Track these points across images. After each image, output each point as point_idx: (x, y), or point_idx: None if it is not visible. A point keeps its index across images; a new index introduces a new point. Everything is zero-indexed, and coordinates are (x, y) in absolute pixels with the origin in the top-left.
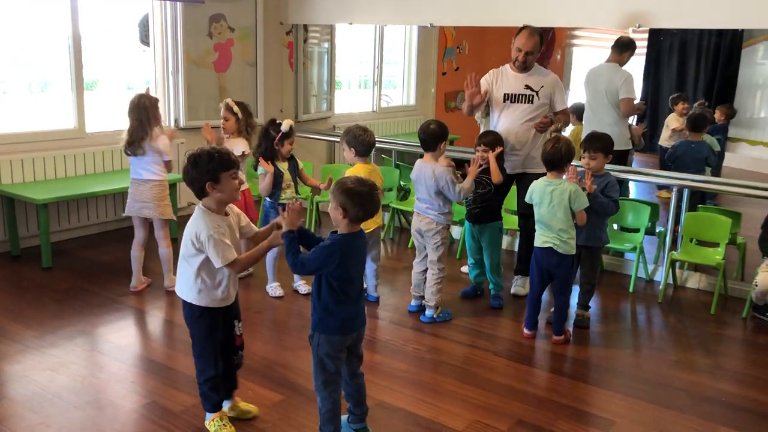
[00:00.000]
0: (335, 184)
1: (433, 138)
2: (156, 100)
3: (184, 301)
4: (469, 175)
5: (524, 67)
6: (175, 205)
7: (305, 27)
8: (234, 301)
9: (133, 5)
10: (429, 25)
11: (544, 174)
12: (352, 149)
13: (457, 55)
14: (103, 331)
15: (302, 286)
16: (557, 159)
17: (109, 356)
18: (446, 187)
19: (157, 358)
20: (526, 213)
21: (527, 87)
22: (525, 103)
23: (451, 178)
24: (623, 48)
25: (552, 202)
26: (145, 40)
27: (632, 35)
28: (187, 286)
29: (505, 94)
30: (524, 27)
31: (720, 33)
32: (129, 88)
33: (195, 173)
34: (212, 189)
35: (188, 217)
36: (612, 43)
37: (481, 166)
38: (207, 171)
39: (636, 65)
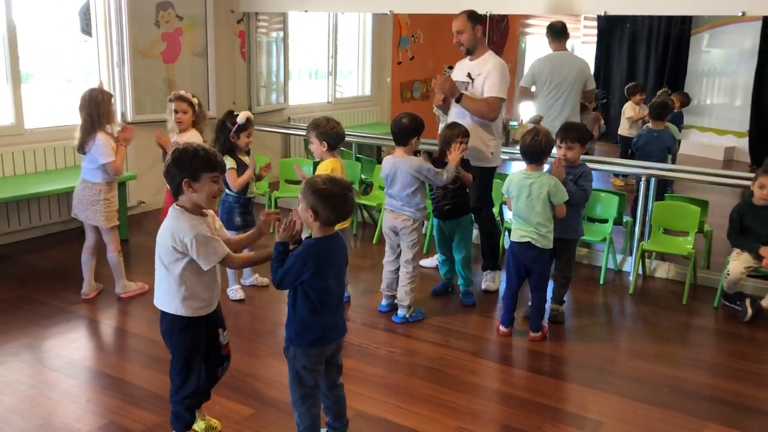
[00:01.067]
0: (305, 183)
1: (405, 132)
2: (109, 96)
3: (164, 313)
4: (452, 161)
5: (466, 51)
6: (124, 204)
7: (257, 15)
8: (216, 308)
9: None
10: (389, 13)
11: (490, 168)
12: (324, 143)
13: (411, 44)
14: (53, 344)
15: (236, 291)
16: (537, 152)
17: (61, 372)
18: (430, 174)
19: (114, 373)
20: (477, 207)
21: (468, 75)
22: (463, 90)
23: (430, 166)
24: (562, 34)
25: (530, 196)
26: (86, 29)
27: (583, 22)
28: (169, 296)
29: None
30: None
31: (669, 21)
32: (68, 81)
33: (174, 168)
34: (188, 187)
35: (138, 216)
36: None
37: (464, 152)
38: (188, 167)
39: (586, 53)
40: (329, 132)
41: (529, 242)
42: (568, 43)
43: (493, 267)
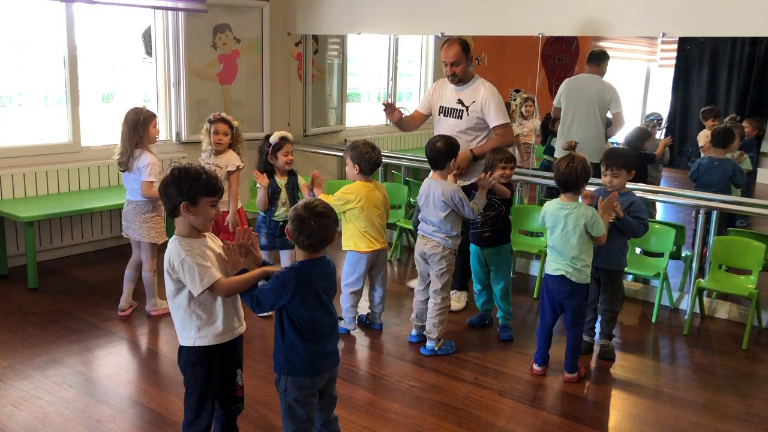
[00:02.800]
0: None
1: (441, 156)
2: (150, 115)
3: (182, 348)
4: (481, 190)
5: (455, 80)
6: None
7: (315, 38)
8: (237, 345)
9: (138, 17)
10: (440, 35)
11: (470, 185)
12: (356, 165)
13: (475, 66)
14: (77, 360)
15: None
16: (572, 180)
17: (78, 390)
18: (459, 205)
19: (131, 394)
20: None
21: (459, 101)
22: (454, 117)
23: (463, 196)
24: (600, 59)
25: (566, 228)
26: (149, 51)
27: (660, 45)
28: (183, 329)
29: (440, 107)
30: (446, 40)
31: (754, 42)
32: (146, 101)
33: (173, 189)
34: (186, 211)
35: None
36: (591, 56)
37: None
38: (188, 190)
39: (664, 76)
40: (363, 156)
41: (563, 276)
42: (644, 66)
43: (461, 288)
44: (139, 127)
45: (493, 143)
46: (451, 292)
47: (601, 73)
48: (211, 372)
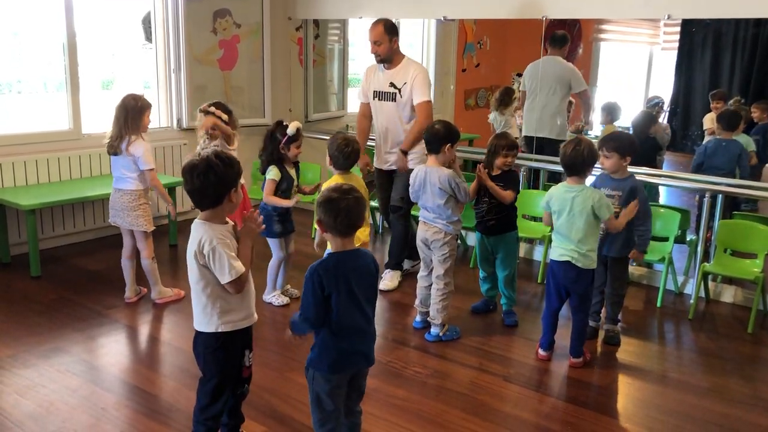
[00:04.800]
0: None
1: (437, 139)
2: (147, 104)
3: (198, 333)
4: (456, 169)
5: (380, 60)
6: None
7: (316, 22)
8: (249, 329)
9: (138, 2)
10: (443, 19)
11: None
12: (330, 158)
13: (477, 50)
14: (81, 348)
15: (276, 297)
16: (579, 163)
17: (83, 378)
18: (456, 189)
19: (137, 382)
20: (396, 205)
21: (391, 84)
22: (389, 101)
23: (460, 180)
24: (562, 42)
25: (572, 211)
26: (149, 37)
27: (663, 28)
28: (205, 315)
29: (374, 91)
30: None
31: (758, 23)
32: (146, 87)
33: (221, 178)
34: (232, 196)
35: (189, 222)
36: (550, 38)
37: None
38: (234, 178)
39: (668, 59)
40: (339, 151)
41: (568, 261)
42: (647, 49)
43: (395, 267)
44: (136, 113)
45: (416, 127)
46: (385, 271)
47: (563, 55)
48: (233, 357)
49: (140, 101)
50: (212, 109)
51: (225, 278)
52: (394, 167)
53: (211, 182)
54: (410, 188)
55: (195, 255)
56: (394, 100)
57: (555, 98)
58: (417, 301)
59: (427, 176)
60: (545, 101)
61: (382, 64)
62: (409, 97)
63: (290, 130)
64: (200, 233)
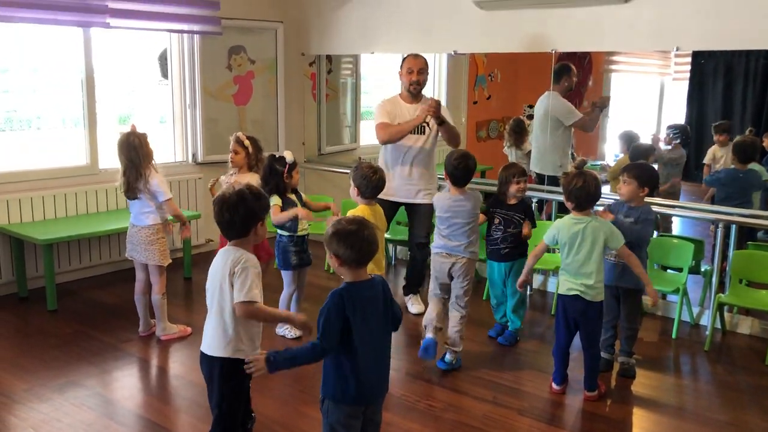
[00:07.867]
0: (327, 231)
1: (469, 175)
2: (144, 136)
3: (212, 358)
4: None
5: (419, 90)
6: (188, 242)
7: (329, 58)
8: None
9: (155, 40)
10: (453, 53)
11: (429, 206)
12: (356, 188)
13: (489, 83)
14: (96, 382)
15: (289, 330)
16: (587, 196)
17: (98, 412)
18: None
19: (149, 416)
20: (422, 242)
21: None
22: (419, 134)
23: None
24: (558, 75)
25: (583, 242)
26: (165, 74)
27: (674, 59)
28: (223, 339)
29: (399, 124)
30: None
31: None
32: (162, 122)
33: (251, 210)
34: (258, 229)
35: (204, 255)
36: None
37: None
38: (263, 208)
39: (679, 90)
40: (365, 180)
41: (577, 295)
42: (658, 80)
43: (417, 292)
44: (141, 147)
45: (454, 129)
46: (407, 297)
47: (562, 89)
48: (244, 381)
49: (137, 135)
50: (240, 135)
51: (240, 296)
52: (402, 200)
53: (240, 214)
54: (438, 220)
55: (227, 278)
56: (423, 132)
57: (546, 135)
58: (425, 323)
59: (458, 205)
60: (540, 138)
61: (405, 98)
62: (437, 129)
63: (289, 158)
64: (236, 254)
